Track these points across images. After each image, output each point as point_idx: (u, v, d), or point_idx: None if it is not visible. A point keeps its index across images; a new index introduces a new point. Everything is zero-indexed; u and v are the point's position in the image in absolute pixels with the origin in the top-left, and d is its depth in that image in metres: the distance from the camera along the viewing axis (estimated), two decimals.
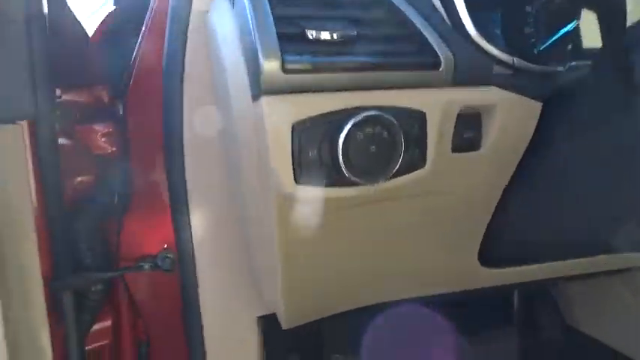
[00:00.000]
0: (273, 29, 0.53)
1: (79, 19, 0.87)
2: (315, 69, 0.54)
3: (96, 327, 0.99)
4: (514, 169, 0.70)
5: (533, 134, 0.68)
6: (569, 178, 0.69)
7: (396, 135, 0.56)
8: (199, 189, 0.76)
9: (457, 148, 0.65)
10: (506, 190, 0.72)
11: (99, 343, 1.01)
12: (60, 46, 0.85)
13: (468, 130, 0.65)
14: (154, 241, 0.92)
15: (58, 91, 0.88)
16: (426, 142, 0.60)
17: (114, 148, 0.94)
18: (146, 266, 0.91)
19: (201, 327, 0.84)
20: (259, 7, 0.54)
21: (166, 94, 0.74)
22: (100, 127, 0.93)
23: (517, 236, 0.78)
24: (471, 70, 0.61)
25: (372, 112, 0.55)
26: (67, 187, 0.91)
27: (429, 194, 0.66)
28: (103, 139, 0.93)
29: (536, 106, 0.66)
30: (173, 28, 0.72)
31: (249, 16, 0.54)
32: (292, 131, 0.54)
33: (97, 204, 0.92)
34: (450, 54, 0.60)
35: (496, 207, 0.74)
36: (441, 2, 0.64)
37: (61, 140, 0.90)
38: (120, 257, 0.96)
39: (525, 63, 0.66)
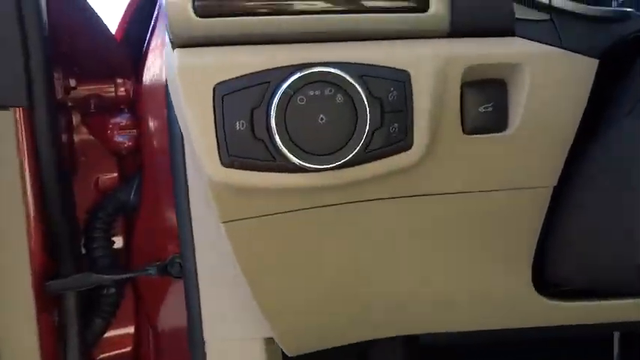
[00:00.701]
0: None
1: (99, 15, 0.84)
2: (244, 10, 0.41)
3: (116, 333, 0.95)
4: (563, 157, 0.50)
5: (589, 106, 0.47)
6: None
7: (358, 100, 0.41)
8: (202, 192, 0.67)
9: (472, 127, 0.47)
10: (559, 190, 0.52)
11: (119, 351, 0.96)
12: (80, 43, 0.82)
13: (487, 102, 0.47)
14: (166, 244, 0.85)
15: (73, 82, 0.85)
16: (411, 115, 0.44)
17: (130, 143, 0.88)
18: (154, 271, 0.83)
19: (203, 342, 0.74)
20: None
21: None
22: (117, 121, 0.88)
23: (583, 257, 0.57)
24: (478, 13, 0.44)
25: (318, 69, 0.40)
26: (80, 181, 0.87)
27: (431, 195, 0.49)
28: (119, 134, 0.88)
29: (589, 65, 0.46)
30: None
31: None
32: (214, 95, 0.41)
33: (111, 200, 0.87)
34: None
35: (548, 213, 0.54)
36: None
37: (77, 134, 0.87)
38: (130, 259, 0.90)
39: (576, 4, 0.46)
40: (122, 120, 0.87)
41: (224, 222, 0.48)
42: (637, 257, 0.48)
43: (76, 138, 0.89)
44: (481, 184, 0.51)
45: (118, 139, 0.87)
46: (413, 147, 0.45)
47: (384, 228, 0.52)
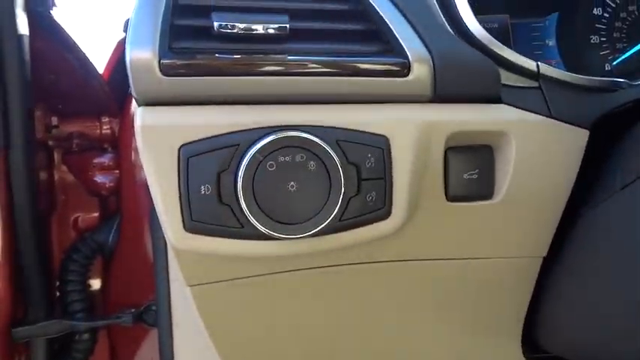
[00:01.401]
0: (159, 19, 0.39)
1: (85, 53, 0.83)
2: (210, 70, 0.38)
3: None
4: (552, 228, 0.47)
5: (581, 175, 0.45)
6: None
7: (332, 167, 0.39)
8: None
9: (456, 194, 0.45)
10: (550, 258, 0.50)
11: None
12: (66, 81, 0.81)
13: (472, 169, 0.45)
14: (140, 289, 0.82)
15: (54, 120, 0.83)
16: (390, 182, 0.41)
17: (111, 184, 0.86)
18: (129, 319, 0.80)
19: None
20: None
21: None
22: (99, 161, 0.86)
23: (575, 332, 0.53)
24: (463, 78, 0.42)
25: (290, 133, 0.38)
26: (58, 219, 0.85)
27: (410, 260, 0.46)
28: (100, 174, 0.86)
29: (579, 136, 0.44)
30: None
31: (137, 5, 0.40)
32: (179, 156, 0.39)
33: (88, 242, 0.84)
34: (425, 54, 0.41)
35: (538, 284, 0.51)
36: None
37: (57, 172, 0.85)
38: (107, 303, 0.87)
39: (565, 73, 0.45)
40: (104, 160, 0.85)
41: (190, 286, 0.45)
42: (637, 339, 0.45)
43: (56, 176, 0.86)
44: (464, 252, 0.48)
45: (99, 179, 0.84)
46: (391, 216, 0.42)
47: (359, 293, 0.49)
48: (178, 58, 0.38)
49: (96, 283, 0.90)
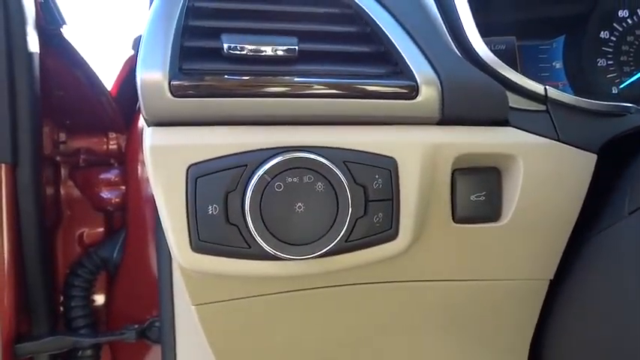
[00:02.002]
0: (170, 41, 0.39)
1: (94, 70, 0.84)
2: (219, 91, 0.39)
3: None
4: (560, 250, 0.47)
5: (590, 199, 0.45)
6: None
7: (340, 188, 0.39)
8: None
9: (463, 216, 0.45)
10: (557, 284, 0.49)
11: None
12: (74, 98, 0.81)
13: (479, 191, 0.45)
14: (144, 305, 0.82)
15: (63, 136, 0.84)
16: (398, 204, 0.41)
17: (117, 200, 0.86)
18: (133, 335, 0.79)
19: None
20: (166, 15, 0.40)
21: None
22: (105, 176, 0.87)
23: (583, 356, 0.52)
24: (470, 101, 0.42)
25: (298, 154, 0.38)
26: (63, 236, 0.85)
27: (417, 281, 0.46)
28: (106, 190, 0.86)
29: (587, 160, 0.44)
30: None
31: (148, 26, 0.41)
32: (187, 176, 0.39)
33: (92, 258, 0.85)
34: (433, 76, 0.41)
35: (545, 305, 0.51)
36: (440, 8, 0.45)
37: (63, 187, 0.86)
38: (111, 318, 0.87)
39: (572, 97, 0.45)
40: (111, 176, 0.86)
41: (195, 305, 0.45)
42: None
43: (63, 191, 0.87)
44: (471, 273, 0.48)
45: (105, 195, 0.85)
46: (399, 237, 0.42)
47: (366, 312, 0.49)
48: (188, 79, 0.38)
49: (100, 299, 0.90)
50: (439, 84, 0.41)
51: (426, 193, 0.42)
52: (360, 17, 0.43)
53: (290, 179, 0.38)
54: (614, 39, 0.58)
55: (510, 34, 0.56)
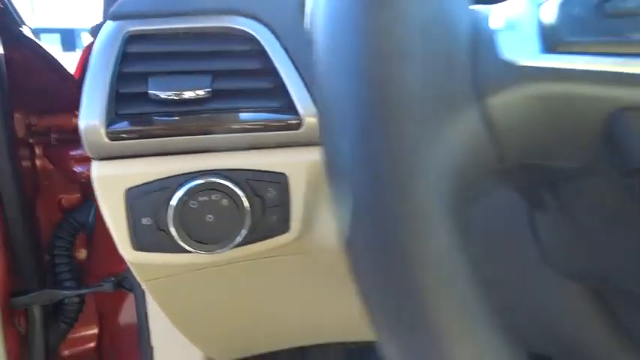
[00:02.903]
0: (107, 89, 0.51)
1: (56, 58, 0.93)
2: (148, 133, 0.51)
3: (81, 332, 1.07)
4: None
5: None
6: None
7: (240, 202, 0.52)
8: None
9: None
10: None
11: (84, 347, 1.09)
12: (37, 80, 0.91)
13: None
14: (119, 260, 0.97)
15: (34, 120, 0.95)
16: (288, 207, 0.55)
17: (88, 172, 0.99)
18: (110, 286, 0.95)
19: (151, 348, 0.87)
20: (104, 62, 0.51)
21: None
22: (76, 153, 0.98)
23: None
24: None
25: (207, 179, 0.51)
26: (44, 203, 0.98)
27: (308, 252, 0.61)
28: (78, 164, 0.98)
29: None
30: None
31: (89, 73, 0.52)
32: (125, 198, 0.52)
33: (69, 222, 0.98)
34: (313, 110, 0.53)
35: None
36: None
37: (39, 161, 0.97)
38: (92, 273, 1.02)
39: None
40: (81, 152, 0.98)
41: (143, 281, 0.60)
42: None
43: (39, 164, 0.99)
44: None
45: (77, 169, 0.97)
46: (290, 230, 0.56)
47: (271, 276, 0.64)
48: (122, 125, 0.50)
49: (82, 255, 1.05)
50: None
51: (312, 196, 0.56)
52: (264, 55, 0.54)
53: (201, 198, 0.51)
54: None
55: None
